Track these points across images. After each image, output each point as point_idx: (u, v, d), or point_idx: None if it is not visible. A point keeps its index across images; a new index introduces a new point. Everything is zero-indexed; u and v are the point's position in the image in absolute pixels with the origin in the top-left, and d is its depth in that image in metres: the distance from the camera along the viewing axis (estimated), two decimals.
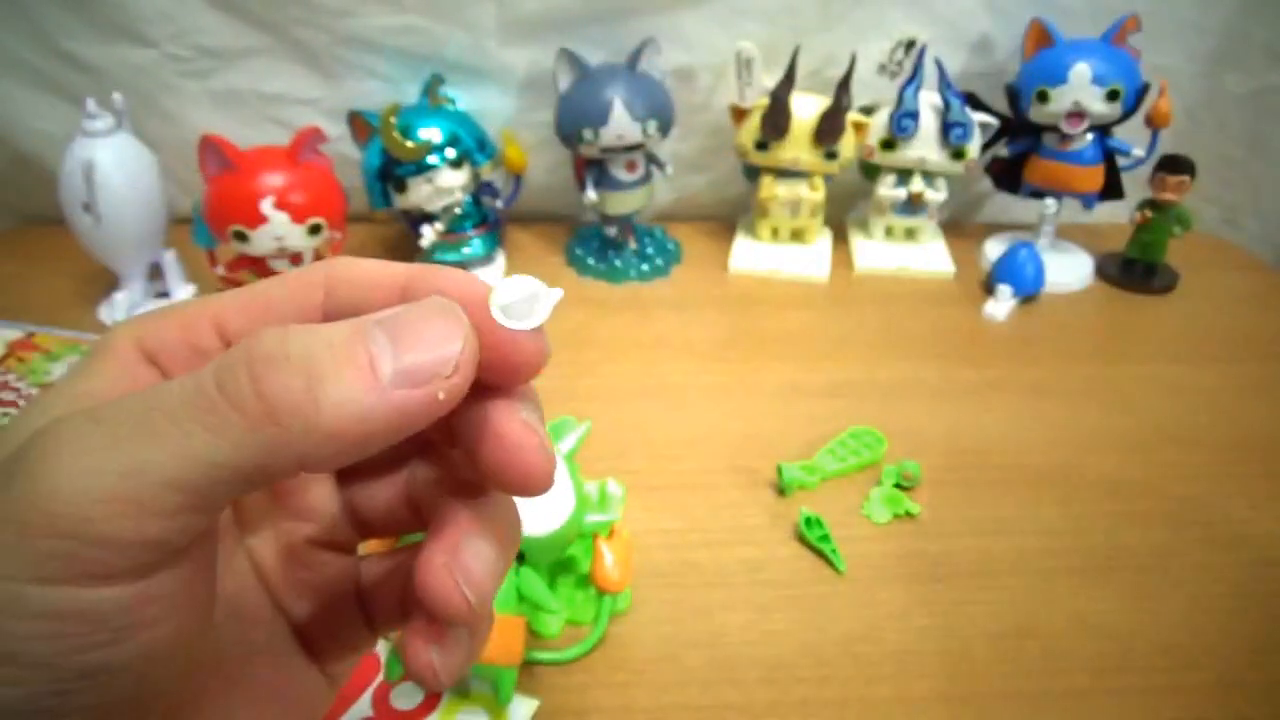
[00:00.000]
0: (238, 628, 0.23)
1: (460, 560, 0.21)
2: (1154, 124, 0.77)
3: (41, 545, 0.16)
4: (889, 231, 0.85)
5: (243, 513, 0.24)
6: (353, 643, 0.25)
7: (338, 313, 0.21)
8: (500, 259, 0.82)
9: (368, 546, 0.26)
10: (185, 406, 0.17)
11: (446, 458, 0.24)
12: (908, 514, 0.54)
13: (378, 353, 0.18)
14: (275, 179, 0.66)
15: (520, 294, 0.20)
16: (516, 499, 0.22)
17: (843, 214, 0.88)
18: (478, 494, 0.22)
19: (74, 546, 0.16)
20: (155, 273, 0.74)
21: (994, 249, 0.82)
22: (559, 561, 0.47)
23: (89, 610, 0.17)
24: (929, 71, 0.77)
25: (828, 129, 0.76)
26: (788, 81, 0.75)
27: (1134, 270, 0.80)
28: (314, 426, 0.17)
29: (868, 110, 0.80)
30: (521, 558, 0.42)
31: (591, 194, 0.78)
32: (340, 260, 0.22)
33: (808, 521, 0.52)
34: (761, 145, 0.78)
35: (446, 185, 0.74)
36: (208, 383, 0.17)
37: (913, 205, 0.82)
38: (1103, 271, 0.81)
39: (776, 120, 0.76)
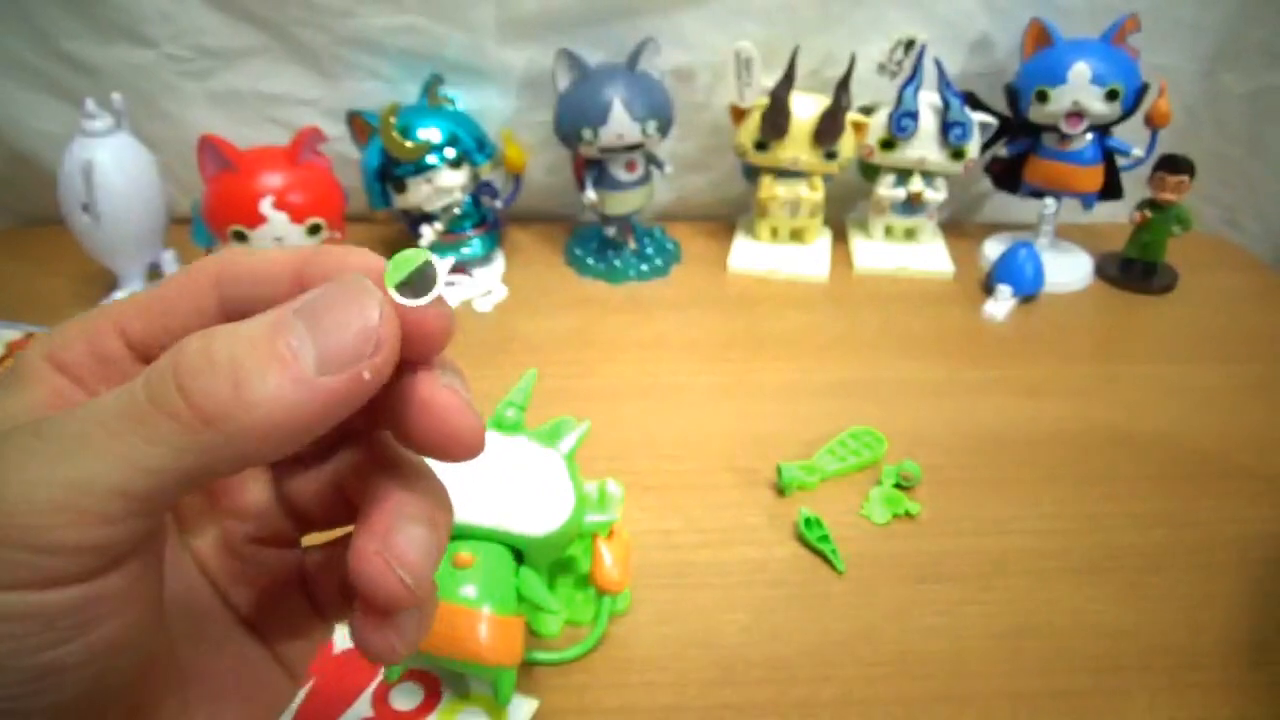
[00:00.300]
0: (189, 625, 0.23)
1: (393, 545, 0.21)
2: (1153, 124, 0.77)
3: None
4: (888, 231, 0.85)
5: (182, 513, 0.24)
6: (305, 632, 0.25)
7: (234, 308, 0.22)
8: (500, 259, 0.82)
9: (310, 539, 0.26)
10: (121, 418, 0.18)
11: (371, 441, 0.24)
12: (907, 514, 0.54)
13: (297, 344, 0.18)
14: (275, 179, 0.66)
15: (412, 268, 0.20)
16: (444, 485, 0.23)
17: (842, 214, 0.88)
18: (404, 475, 0.22)
19: (23, 555, 0.17)
20: (155, 273, 0.74)
21: (993, 249, 0.82)
22: (559, 561, 0.47)
23: (38, 612, 0.17)
24: (929, 71, 0.77)
25: (827, 129, 0.76)
26: (787, 81, 0.75)
27: (1133, 270, 0.80)
28: (246, 427, 0.18)
29: (867, 110, 0.80)
30: (521, 558, 0.42)
31: (591, 194, 0.78)
32: (230, 253, 0.22)
33: (808, 521, 0.52)
34: (761, 145, 0.78)
35: (446, 185, 0.74)
36: (139, 394, 0.18)
37: (912, 205, 0.82)
38: (1102, 271, 0.81)
39: (776, 120, 0.76)
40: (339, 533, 0.25)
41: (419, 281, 0.20)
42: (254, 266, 0.22)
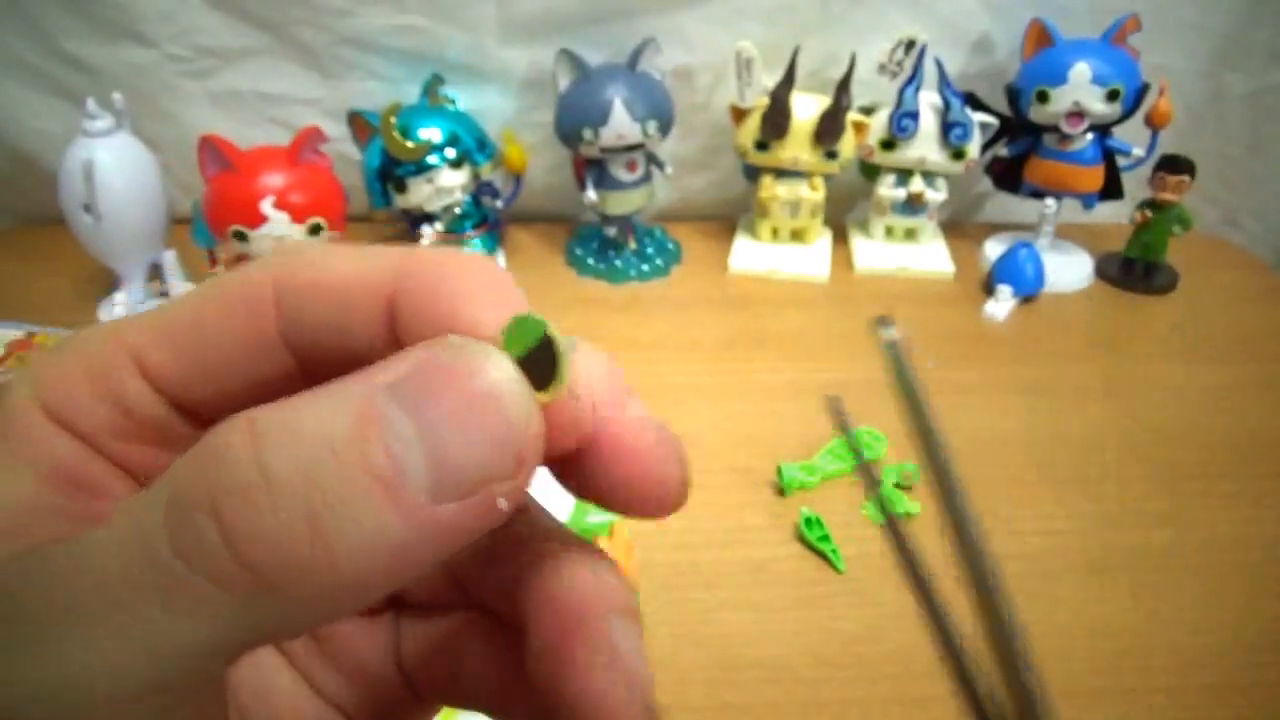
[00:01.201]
0: None
1: (622, 661, 0.15)
2: (1154, 124, 0.77)
3: None
4: (889, 231, 0.85)
5: None
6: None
7: (301, 336, 0.15)
8: (500, 259, 0.82)
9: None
10: (132, 587, 0.12)
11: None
12: (908, 514, 0.54)
13: (402, 450, 0.12)
14: (275, 179, 0.66)
15: (529, 338, 0.14)
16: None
17: (843, 214, 0.88)
18: (565, 545, 0.16)
19: None
20: (155, 273, 0.74)
21: (994, 249, 0.82)
22: None
23: None
24: (929, 71, 0.77)
25: (828, 129, 0.76)
26: (787, 81, 0.75)
27: (1134, 270, 0.80)
28: (328, 582, 0.12)
29: (868, 110, 0.80)
30: None
31: (591, 194, 0.78)
32: (289, 259, 0.15)
33: (808, 521, 0.52)
34: (761, 145, 0.78)
35: (446, 185, 0.74)
36: (159, 546, 0.12)
37: (913, 205, 0.82)
38: (1103, 271, 0.81)
39: (776, 120, 0.76)
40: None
41: (539, 367, 0.14)
42: (326, 280, 0.15)
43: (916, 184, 0.81)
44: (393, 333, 0.14)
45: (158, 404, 0.15)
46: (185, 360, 0.15)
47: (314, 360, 0.15)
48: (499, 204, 0.80)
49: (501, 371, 0.13)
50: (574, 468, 0.15)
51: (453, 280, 0.14)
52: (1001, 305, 0.75)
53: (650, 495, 0.15)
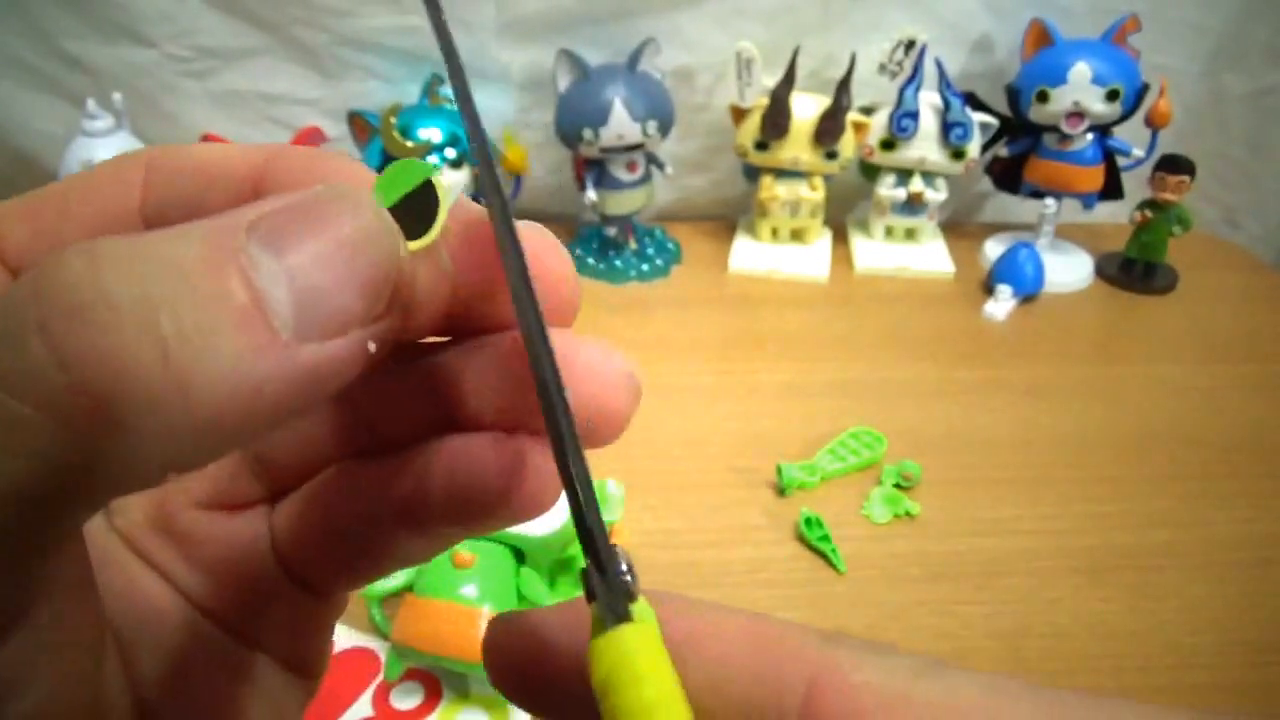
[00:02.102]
0: (145, 643, 0.16)
1: (612, 353, 0.16)
2: (1154, 124, 0.77)
3: None
4: (889, 231, 0.85)
5: None
6: (298, 623, 0.18)
7: (159, 216, 0.15)
8: None
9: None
10: None
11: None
12: (908, 514, 0.54)
13: (264, 284, 0.11)
14: None
15: (404, 184, 0.14)
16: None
17: (843, 214, 0.88)
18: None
19: None
20: None
21: (994, 249, 0.82)
22: (559, 561, 0.47)
23: None
24: (929, 71, 0.77)
25: (828, 129, 0.76)
26: (788, 81, 0.75)
27: (1134, 270, 0.80)
28: (180, 419, 0.10)
29: (868, 110, 0.80)
30: (521, 558, 0.42)
31: (591, 194, 0.78)
32: (165, 146, 0.15)
33: (808, 521, 0.52)
34: (761, 145, 0.78)
35: (446, 185, 0.74)
36: None
37: (913, 205, 0.82)
38: (1102, 271, 0.81)
39: (776, 120, 0.76)
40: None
41: (413, 214, 0.13)
42: (197, 158, 0.15)
43: (916, 184, 0.81)
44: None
45: (3, 274, 0.14)
46: (41, 233, 0.14)
47: None
48: None
49: (368, 212, 0.12)
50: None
51: (325, 160, 0.15)
52: (1001, 305, 0.75)
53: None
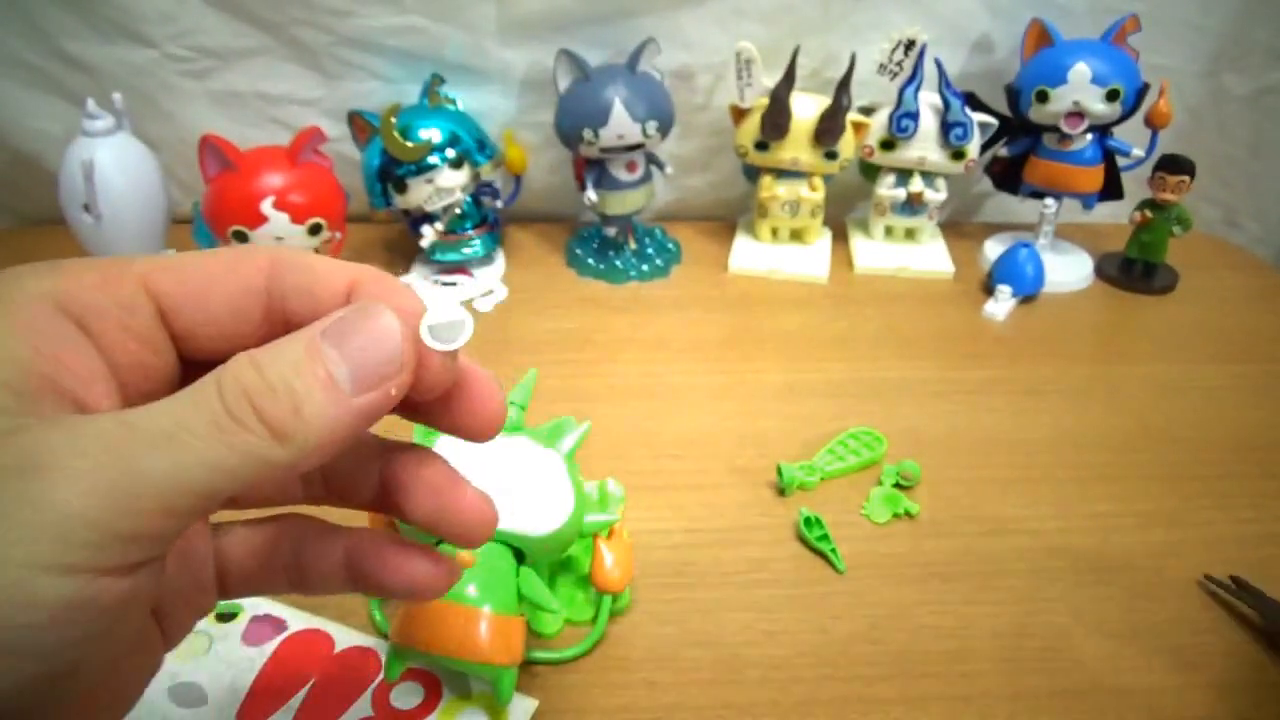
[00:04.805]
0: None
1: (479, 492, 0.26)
2: (1154, 124, 0.77)
3: (77, 534, 0.18)
4: (889, 231, 0.85)
5: None
6: (200, 608, 0.27)
7: (280, 300, 0.24)
8: (500, 259, 0.82)
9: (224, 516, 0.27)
10: (209, 426, 0.19)
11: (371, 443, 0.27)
12: (907, 514, 0.54)
13: (332, 367, 0.20)
14: (275, 179, 0.66)
15: (447, 319, 0.22)
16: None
17: (843, 214, 0.88)
18: (425, 452, 0.26)
19: (100, 538, 0.18)
20: None
21: (994, 249, 0.82)
22: (559, 561, 0.47)
23: (93, 602, 0.18)
24: (929, 71, 0.77)
25: (828, 129, 0.76)
26: (788, 81, 0.75)
27: (1134, 270, 0.80)
28: (303, 441, 0.20)
29: (867, 110, 0.80)
30: (522, 557, 0.42)
31: (591, 194, 0.78)
32: (284, 249, 0.24)
33: (808, 521, 0.52)
34: (761, 145, 0.78)
35: (447, 185, 0.74)
36: (217, 407, 0.20)
37: (912, 205, 0.82)
38: (1102, 271, 0.81)
39: (776, 120, 0.76)
40: (259, 513, 0.28)
41: (448, 331, 0.22)
42: (311, 268, 0.24)
43: (916, 184, 0.81)
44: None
45: (151, 314, 0.23)
46: (189, 291, 0.23)
47: (275, 314, 0.24)
48: (499, 204, 0.80)
49: (391, 318, 0.21)
50: (441, 406, 0.24)
51: (394, 289, 0.23)
52: (1001, 305, 0.75)
53: (486, 422, 0.25)
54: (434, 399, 0.23)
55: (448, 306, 0.22)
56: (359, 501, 0.27)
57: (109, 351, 0.22)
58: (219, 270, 0.23)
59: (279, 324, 0.24)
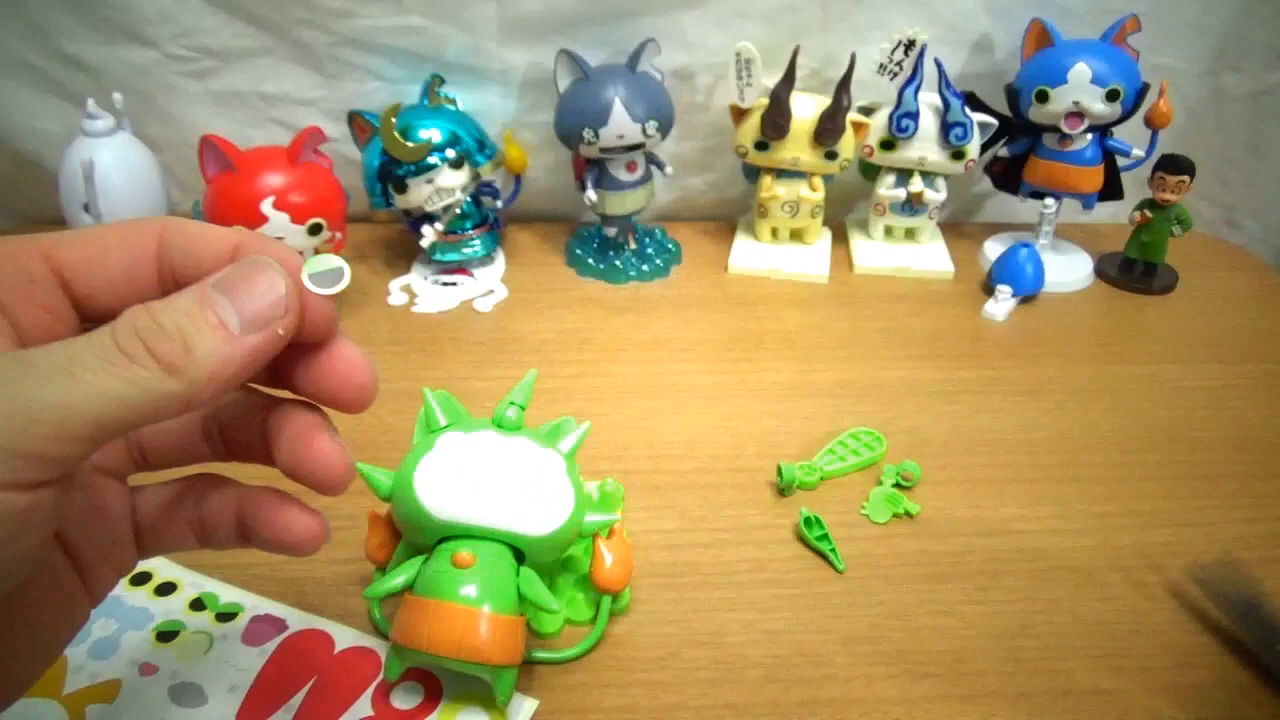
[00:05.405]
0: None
1: (337, 439, 0.28)
2: (1154, 124, 0.77)
3: None
4: (889, 231, 0.85)
5: None
6: (121, 564, 0.29)
7: (169, 264, 0.26)
8: (500, 259, 0.82)
9: (144, 478, 0.31)
10: (100, 360, 0.22)
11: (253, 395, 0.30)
12: (907, 514, 0.54)
13: (222, 312, 0.23)
14: (275, 179, 0.66)
15: (325, 266, 0.26)
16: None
17: (843, 214, 0.88)
18: (313, 407, 0.28)
19: (9, 458, 0.20)
20: None
21: (994, 249, 0.82)
22: (559, 561, 0.47)
23: (7, 512, 0.20)
24: (929, 71, 0.77)
25: (827, 129, 0.76)
26: (787, 81, 0.75)
27: (1134, 270, 0.80)
28: (194, 375, 0.22)
29: (867, 110, 0.80)
30: (521, 557, 0.42)
31: (591, 194, 0.78)
32: (174, 219, 0.27)
33: (808, 521, 0.52)
34: (761, 145, 0.78)
35: (447, 185, 0.74)
36: (110, 345, 0.22)
37: (912, 205, 0.82)
38: (1102, 271, 0.81)
39: (776, 120, 0.76)
40: (176, 473, 0.31)
41: (328, 277, 0.26)
42: (199, 235, 0.26)
43: (916, 184, 0.81)
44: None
45: (52, 282, 0.25)
46: (88, 260, 0.26)
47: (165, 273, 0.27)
48: (499, 204, 0.80)
49: (275, 268, 0.25)
50: (313, 374, 0.27)
51: (271, 243, 0.26)
52: (1001, 305, 0.75)
53: (357, 390, 0.27)
54: (309, 370, 0.27)
55: (326, 257, 0.26)
56: (253, 457, 0.30)
57: (12, 314, 0.25)
58: (115, 240, 0.26)
59: (171, 287, 0.26)
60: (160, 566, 0.48)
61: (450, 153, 0.73)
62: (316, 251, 0.70)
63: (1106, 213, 0.83)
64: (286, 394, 0.29)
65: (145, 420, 0.22)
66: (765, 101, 0.76)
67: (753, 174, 0.83)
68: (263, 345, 0.24)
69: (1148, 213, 0.78)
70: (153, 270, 0.26)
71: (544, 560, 0.43)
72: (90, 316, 0.26)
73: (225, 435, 0.30)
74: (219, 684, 0.42)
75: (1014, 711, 0.43)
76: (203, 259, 0.26)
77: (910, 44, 0.76)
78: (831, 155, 0.78)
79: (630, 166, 0.77)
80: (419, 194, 0.74)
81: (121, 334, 0.22)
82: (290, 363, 0.27)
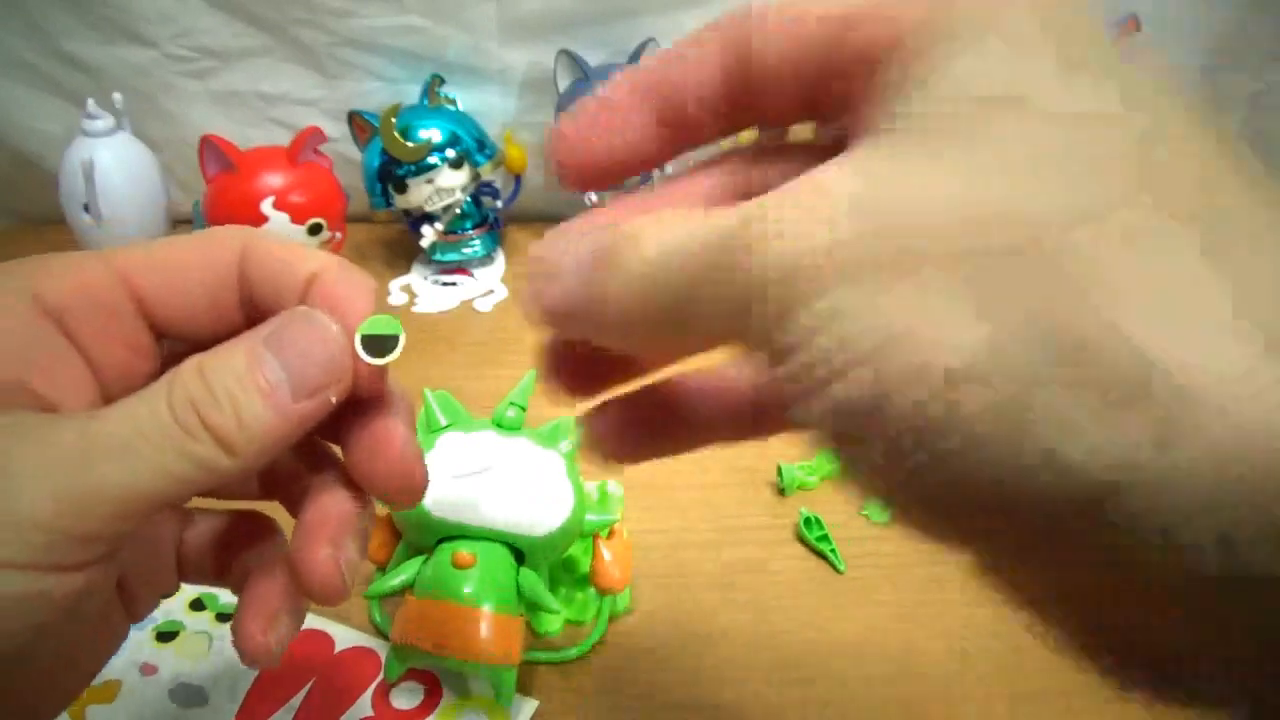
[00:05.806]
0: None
1: (344, 554, 0.24)
2: None
3: (34, 536, 0.19)
4: None
5: None
6: (163, 589, 0.28)
7: (249, 287, 0.24)
8: (500, 259, 0.82)
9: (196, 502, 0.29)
10: (162, 436, 0.21)
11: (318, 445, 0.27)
12: None
13: (271, 375, 0.22)
14: (275, 179, 0.66)
15: (382, 329, 0.23)
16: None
17: None
18: (351, 490, 0.25)
19: (56, 540, 0.19)
20: None
21: None
22: (559, 561, 0.47)
23: (46, 595, 0.19)
24: None
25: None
26: None
27: None
28: (245, 449, 0.21)
29: None
30: (521, 557, 0.42)
31: (591, 195, 0.78)
32: (253, 233, 0.25)
33: (808, 521, 0.52)
34: None
35: (447, 185, 0.74)
36: (166, 416, 0.21)
37: None
38: None
39: None
40: (221, 504, 0.29)
41: (379, 345, 0.23)
42: (280, 258, 0.24)
43: None
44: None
45: (132, 313, 0.24)
46: (167, 283, 0.24)
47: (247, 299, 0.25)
48: (499, 204, 0.80)
49: (328, 326, 0.22)
50: (350, 456, 0.25)
51: (346, 284, 0.24)
52: None
53: (403, 489, 0.25)
54: (349, 452, 0.25)
55: (385, 319, 0.23)
56: (288, 501, 0.28)
57: (88, 351, 0.23)
58: (195, 259, 0.24)
59: (253, 314, 0.25)
60: None
61: (450, 153, 0.73)
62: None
63: None
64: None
65: (198, 493, 0.22)
66: None
67: None
68: (313, 413, 0.22)
69: None
70: (234, 294, 0.25)
71: (544, 560, 0.43)
72: (170, 337, 0.25)
73: (264, 476, 0.29)
74: (219, 684, 0.42)
75: (1013, 711, 0.43)
76: (281, 287, 0.24)
77: None
78: None
79: None
80: (419, 194, 0.74)
81: (178, 403, 0.21)
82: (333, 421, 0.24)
